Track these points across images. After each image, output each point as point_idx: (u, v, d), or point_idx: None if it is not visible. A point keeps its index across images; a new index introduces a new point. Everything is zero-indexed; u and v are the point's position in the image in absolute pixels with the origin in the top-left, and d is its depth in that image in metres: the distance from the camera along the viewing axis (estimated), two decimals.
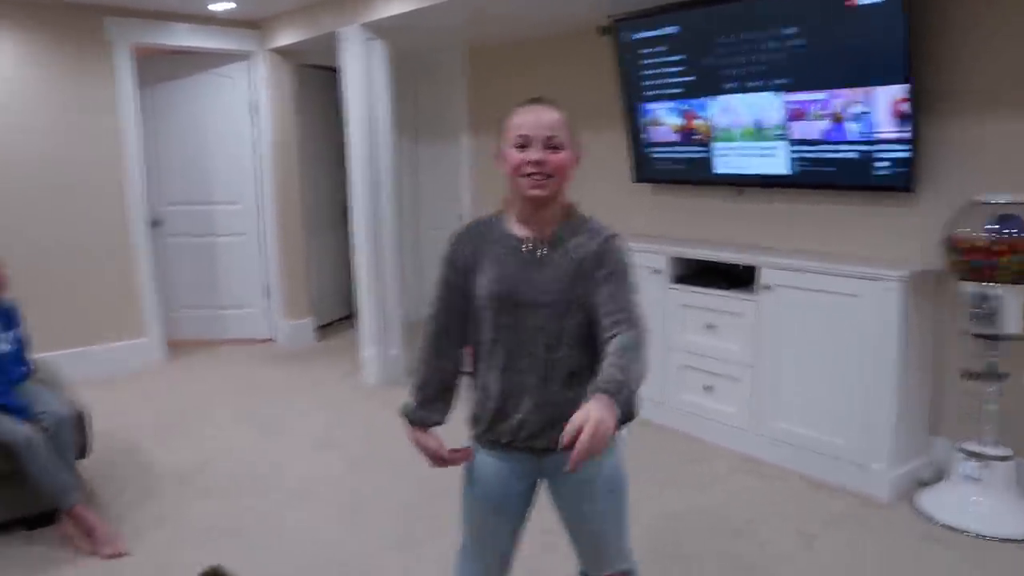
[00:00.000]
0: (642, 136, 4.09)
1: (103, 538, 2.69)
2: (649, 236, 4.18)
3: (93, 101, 4.76)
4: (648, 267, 3.74)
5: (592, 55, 4.37)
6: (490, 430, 1.60)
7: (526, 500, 1.67)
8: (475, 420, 1.64)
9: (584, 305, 1.51)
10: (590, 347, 1.53)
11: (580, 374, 1.53)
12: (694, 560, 2.60)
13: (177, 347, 5.43)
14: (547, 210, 1.56)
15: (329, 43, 4.70)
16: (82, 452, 2.88)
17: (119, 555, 2.65)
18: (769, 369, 3.34)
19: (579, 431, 1.23)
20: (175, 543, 2.76)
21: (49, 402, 2.81)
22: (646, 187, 4.29)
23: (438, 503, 2.94)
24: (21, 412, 2.71)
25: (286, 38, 5.04)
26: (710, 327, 3.57)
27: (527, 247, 1.55)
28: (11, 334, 2.89)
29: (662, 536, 2.74)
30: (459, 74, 5.52)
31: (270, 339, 5.70)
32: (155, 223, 5.24)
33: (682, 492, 3.11)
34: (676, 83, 3.80)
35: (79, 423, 2.86)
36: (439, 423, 1.65)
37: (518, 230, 1.58)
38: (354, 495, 3.13)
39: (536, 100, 1.56)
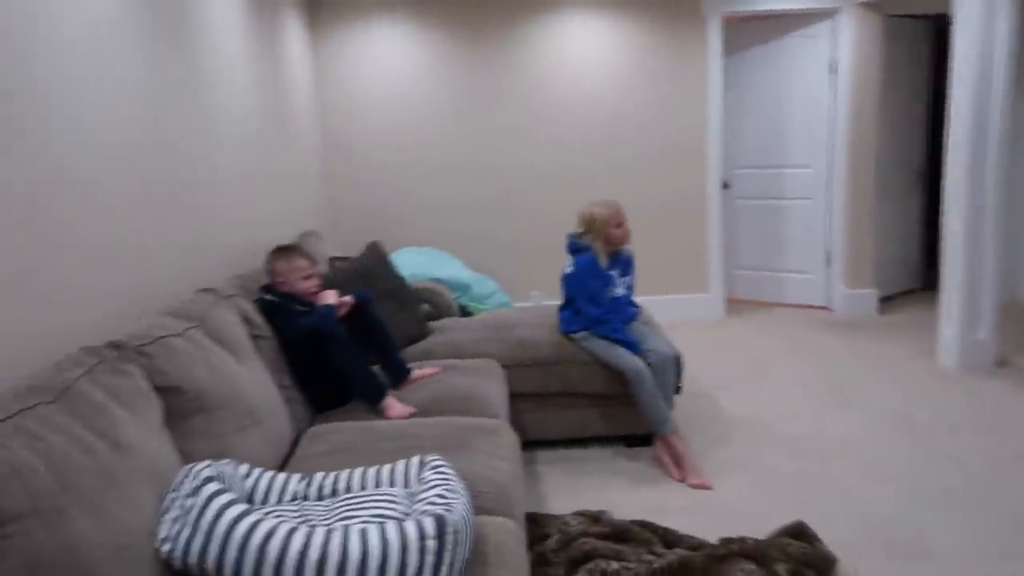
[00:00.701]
0: None
1: (691, 468, 3.00)
2: None
3: (684, 73, 5.20)
4: None
5: None
6: None
7: None
8: None
9: None
10: None
11: None
12: None
13: (734, 304, 5.72)
14: None
15: None
16: (677, 389, 3.24)
17: (703, 487, 2.94)
18: None
19: None
20: (748, 489, 2.92)
21: (655, 342, 3.21)
22: None
23: None
24: (632, 347, 3.17)
25: None
26: None
27: None
28: (627, 280, 3.38)
29: None
30: None
31: (825, 307, 5.58)
32: (724, 185, 5.53)
33: None
34: None
35: (676, 364, 3.21)
36: None
37: None
38: (935, 485, 2.87)
39: None
